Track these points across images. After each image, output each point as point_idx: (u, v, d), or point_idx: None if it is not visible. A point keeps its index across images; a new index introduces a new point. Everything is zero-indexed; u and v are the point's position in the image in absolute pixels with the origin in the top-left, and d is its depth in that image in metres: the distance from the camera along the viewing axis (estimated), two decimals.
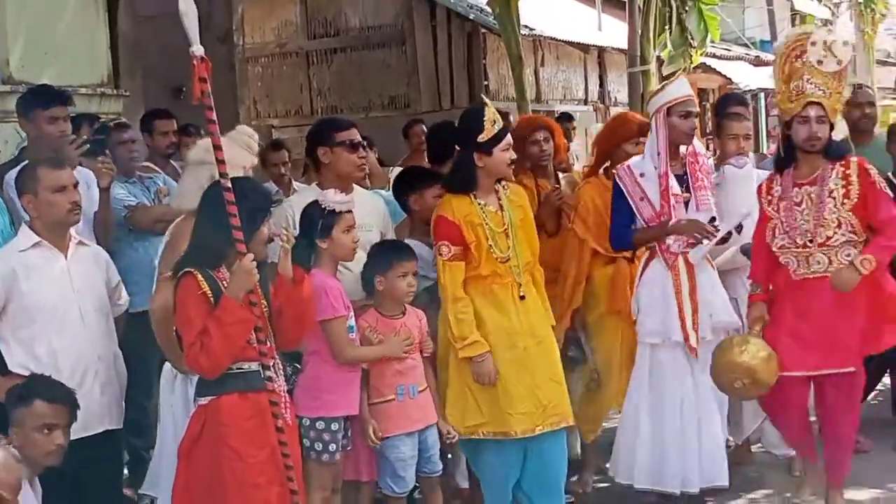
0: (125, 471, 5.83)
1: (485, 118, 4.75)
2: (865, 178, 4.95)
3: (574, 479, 5.56)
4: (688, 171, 5.21)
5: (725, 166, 5.68)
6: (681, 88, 5.25)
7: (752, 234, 5.29)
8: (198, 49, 3.51)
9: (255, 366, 3.82)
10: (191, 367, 3.83)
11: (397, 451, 4.62)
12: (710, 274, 5.24)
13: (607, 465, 5.44)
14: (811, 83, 4.97)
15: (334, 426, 4.45)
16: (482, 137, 4.74)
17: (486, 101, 4.95)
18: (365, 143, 5.01)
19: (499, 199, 4.85)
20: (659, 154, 5.14)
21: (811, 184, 4.98)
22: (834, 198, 4.92)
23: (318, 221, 4.46)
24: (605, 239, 5.38)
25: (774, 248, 5.04)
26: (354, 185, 4.96)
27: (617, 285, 5.47)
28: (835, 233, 4.91)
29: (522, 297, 4.78)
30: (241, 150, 4.20)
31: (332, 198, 4.52)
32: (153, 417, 5.75)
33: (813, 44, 5.02)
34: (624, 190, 5.20)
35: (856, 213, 4.91)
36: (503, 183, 4.90)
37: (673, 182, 5.15)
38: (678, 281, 5.11)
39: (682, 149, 5.23)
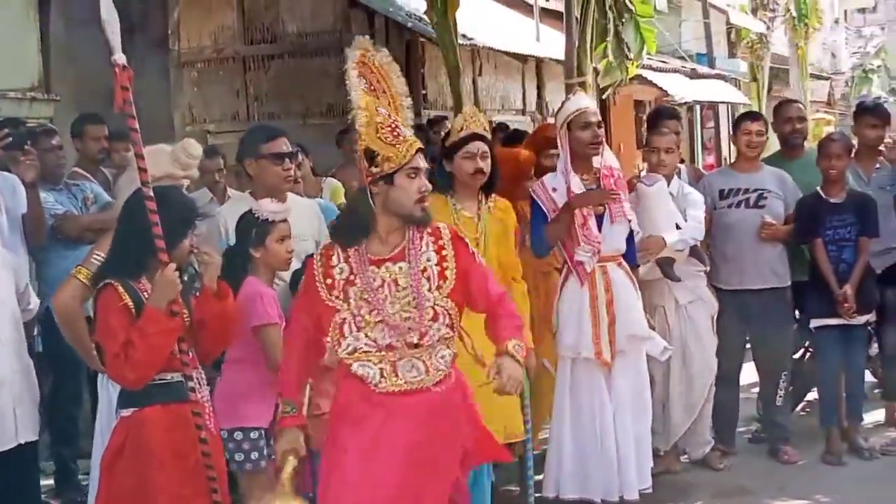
0: (52, 482, 5.75)
1: (454, 122, 4.81)
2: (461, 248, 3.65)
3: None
4: (602, 184, 5.25)
5: (638, 184, 5.76)
6: (579, 102, 5.35)
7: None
8: (120, 57, 3.48)
9: (177, 376, 3.77)
10: (115, 379, 3.79)
11: None
12: (628, 288, 5.28)
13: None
14: None
15: (253, 435, 4.41)
16: (448, 142, 4.81)
17: (469, 106, 4.96)
18: (293, 154, 4.95)
19: (479, 207, 4.86)
20: (567, 169, 5.20)
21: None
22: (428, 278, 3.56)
23: (251, 230, 4.43)
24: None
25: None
26: (289, 194, 4.93)
27: (549, 298, 5.53)
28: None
29: None
30: (171, 164, 4.16)
31: (267, 207, 4.49)
32: (82, 426, 5.67)
33: None
34: (540, 204, 5.26)
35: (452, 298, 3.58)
36: (493, 196, 4.92)
37: None
38: (594, 293, 5.17)
39: (595, 162, 5.27)
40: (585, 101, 5.39)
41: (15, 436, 4.32)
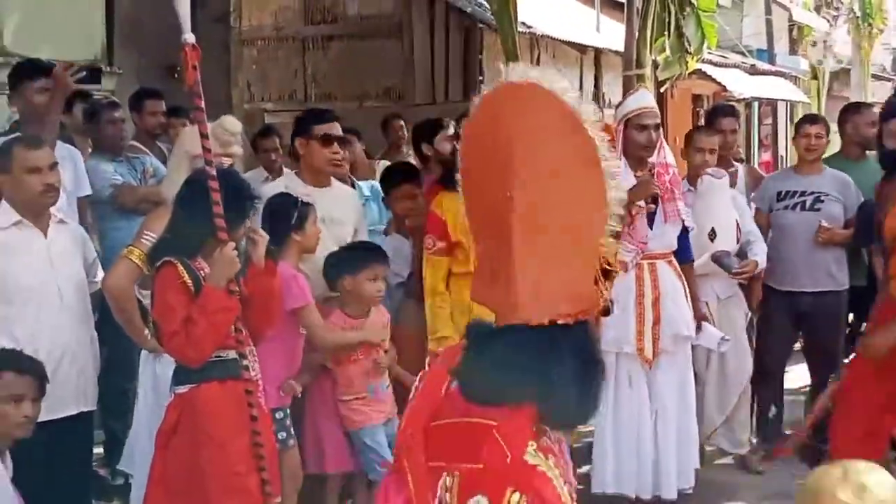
0: (102, 451, 5.84)
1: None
2: None
3: None
4: (657, 181, 5.21)
5: (705, 175, 5.72)
6: (640, 100, 5.27)
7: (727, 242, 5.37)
8: (189, 37, 3.51)
9: (232, 354, 3.81)
10: (175, 356, 3.82)
11: (377, 437, 4.70)
12: (676, 286, 5.25)
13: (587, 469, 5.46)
14: None
15: (279, 415, 4.49)
16: None
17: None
18: (343, 139, 4.98)
19: None
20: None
21: None
22: None
23: (292, 213, 4.47)
24: None
25: None
26: (332, 179, 4.98)
27: None
28: None
29: None
30: (211, 141, 4.20)
31: (300, 190, 4.57)
32: (132, 400, 5.76)
33: None
34: None
35: None
36: None
37: None
38: (641, 290, 5.14)
39: (652, 159, 5.23)
40: (647, 100, 5.30)
41: (76, 403, 4.40)
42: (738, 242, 5.85)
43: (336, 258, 4.72)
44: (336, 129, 4.89)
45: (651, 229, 5.15)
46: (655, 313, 5.16)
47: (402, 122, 7.52)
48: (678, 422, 5.25)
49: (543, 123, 2.41)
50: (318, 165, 4.85)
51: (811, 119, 6.73)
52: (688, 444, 5.33)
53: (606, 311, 2.52)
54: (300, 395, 4.64)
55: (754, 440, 6.25)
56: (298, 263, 4.60)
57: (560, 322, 2.36)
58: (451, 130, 5.90)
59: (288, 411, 4.54)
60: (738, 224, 5.82)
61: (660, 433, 5.21)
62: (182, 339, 3.67)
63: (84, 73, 5.34)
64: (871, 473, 2.44)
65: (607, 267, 2.46)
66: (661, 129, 5.31)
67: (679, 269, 5.30)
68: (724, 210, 5.71)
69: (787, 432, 6.61)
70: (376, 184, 6.10)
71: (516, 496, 2.30)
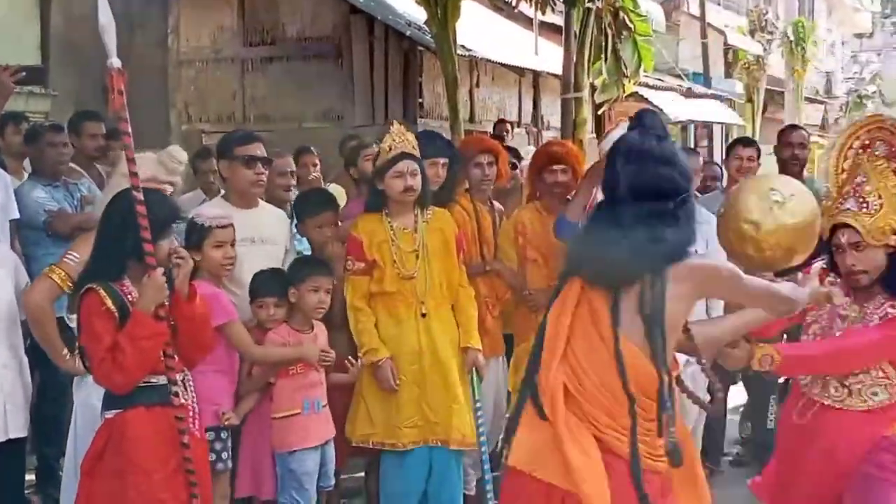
0: (34, 479, 5.76)
1: (382, 143, 4.89)
2: None
3: None
4: None
5: None
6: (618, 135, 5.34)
7: None
8: (115, 62, 3.52)
9: (162, 379, 3.77)
10: (102, 383, 3.77)
11: (304, 465, 4.67)
12: None
13: None
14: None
15: (223, 434, 4.48)
16: (378, 163, 4.89)
17: (396, 124, 5.02)
18: (266, 160, 4.98)
19: (415, 221, 4.93)
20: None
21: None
22: None
23: (192, 235, 4.47)
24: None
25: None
26: (259, 200, 5.00)
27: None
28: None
29: (424, 315, 4.91)
30: (156, 168, 4.19)
31: (208, 212, 4.56)
32: (66, 426, 5.68)
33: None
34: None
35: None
36: (430, 208, 4.98)
37: None
38: None
39: None
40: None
41: (5, 431, 4.33)
42: None
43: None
44: (259, 149, 4.90)
45: None
46: None
47: (312, 158, 7.44)
48: None
49: None
50: (241, 187, 4.88)
51: (744, 142, 6.86)
52: None
53: None
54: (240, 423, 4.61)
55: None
56: (218, 285, 4.58)
57: None
58: (374, 151, 5.94)
59: (223, 432, 4.50)
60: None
61: None
62: (109, 366, 3.63)
63: (24, 73, 5.27)
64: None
65: None
66: None
67: None
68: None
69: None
70: None
71: None
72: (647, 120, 3.32)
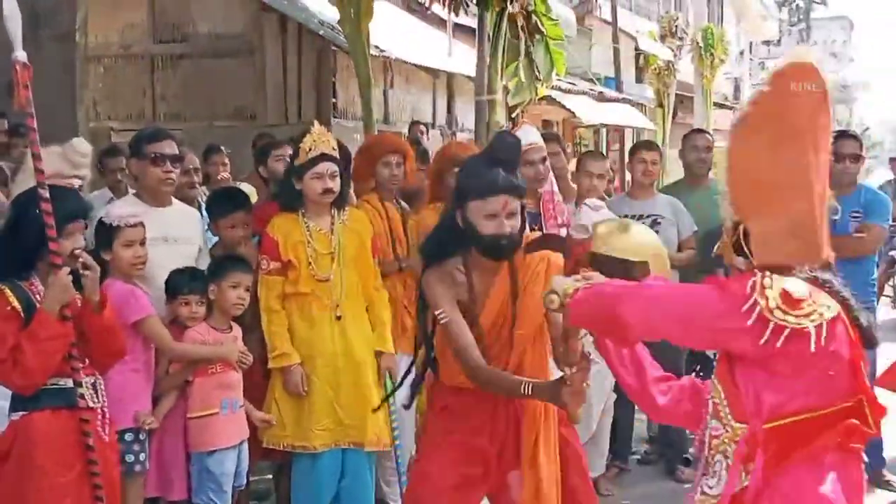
0: None
1: (302, 143, 4.86)
2: None
3: None
4: (542, 209, 5.45)
5: (583, 206, 5.86)
6: (525, 137, 5.40)
7: None
8: (21, 55, 3.44)
9: (69, 382, 3.71)
10: (4, 384, 3.71)
11: (222, 466, 4.63)
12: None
13: None
14: None
15: (142, 436, 4.42)
16: (297, 162, 4.86)
17: (316, 125, 5.00)
18: (177, 157, 4.90)
19: (332, 222, 4.91)
20: None
21: None
22: None
23: (101, 235, 4.40)
24: None
25: None
26: (172, 198, 4.93)
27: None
28: None
29: (339, 318, 4.90)
30: (60, 162, 4.10)
31: (116, 212, 4.50)
32: None
33: None
34: None
35: None
36: (346, 209, 4.96)
37: None
38: None
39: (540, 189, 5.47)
40: (530, 137, 5.50)
41: None
42: None
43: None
44: (168, 147, 4.83)
45: None
46: None
47: (221, 157, 7.35)
48: None
49: (808, 105, 2.63)
50: (150, 185, 4.81)
51: (646, 145, 6.98)
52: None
53: None
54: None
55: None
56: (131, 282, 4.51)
57: None
58: (285, 151, 5.92)
59: (140, 434, 4.42)
60: None
61: None
62: (9, 367, 3.56)
63: None
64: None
65: None
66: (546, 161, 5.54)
67: None
68: None
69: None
70: None
71: None
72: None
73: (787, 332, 2.55)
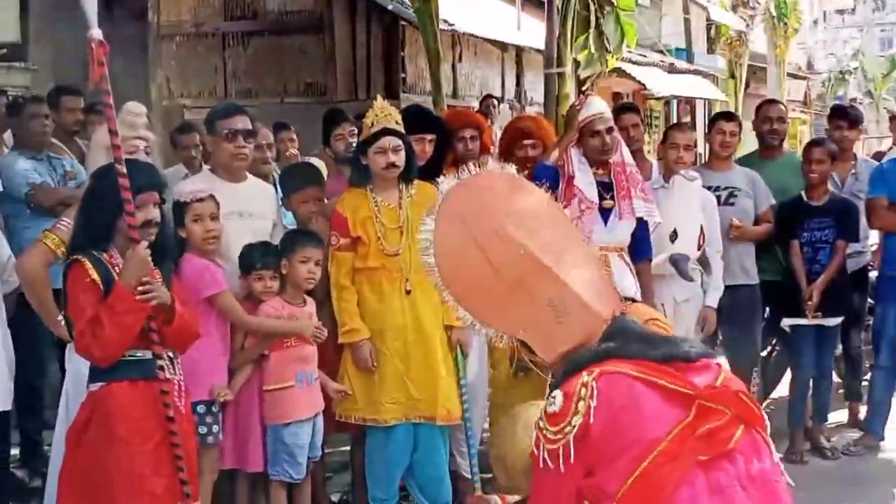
0: (18, 453, 5.74)
1: (364, 119, 4.87)
2: None
3: None
4: (613, 179, 5.32)
5: (677, 176, 5.81)
6: (589, 108, 5.37)
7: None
8: (96, 32, 3.47)
9: (148, 353, 3.76)
10: (82, 355, 3.77)
11: (297, 438, 4.68)
12: (626, 279, 5.23)
13: None
14: None
15: (215, 408, 4.48)
16: (361, 138, 4.88)
17: (379, 99, 5.00)
18: (251, 132, 4.92)
19: (400, 196, 4.91)
20: (581, 161, 5.29)
21: None
22: None
23: (176, 211, 4.45)
24: None
25: None
26: (247, 174, 4.97)
27: None
28: None
29: (409, 292, 4.89)
30: (120, 127, 4.14)
31: (188, 188, 4.55)
32: (46, 399, 5.65)
33: None
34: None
35: None
36: (415, 183, 4.96)
37: (591, 189, 5.25)
38: None
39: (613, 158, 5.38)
40: (595, 107, 5.38)
41: None
42: (699, 249, 5.85)
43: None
44: (241, 122, 4.84)
45: (605, 225, 5.25)
46: None
47: (289, 134, 7.38)
48: None
49: (500, 193, 2.69)
50: (224, 160, 4.84)
51: (726, 116, 6.85)
52: None
53: None
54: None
55: None
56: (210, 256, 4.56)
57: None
58: (344, 129, 5.91)
59: (214, 406, 4.48)
60: (702, 230, 5.84)
61: None
62: (88, 339, 3.62)
63: (5, 50, 5.21)
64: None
65: None
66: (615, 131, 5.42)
67: (631, 263, 5.36)
68: (689, 213, 5.78)
69: None
70: None
71: None
72: None
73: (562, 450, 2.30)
